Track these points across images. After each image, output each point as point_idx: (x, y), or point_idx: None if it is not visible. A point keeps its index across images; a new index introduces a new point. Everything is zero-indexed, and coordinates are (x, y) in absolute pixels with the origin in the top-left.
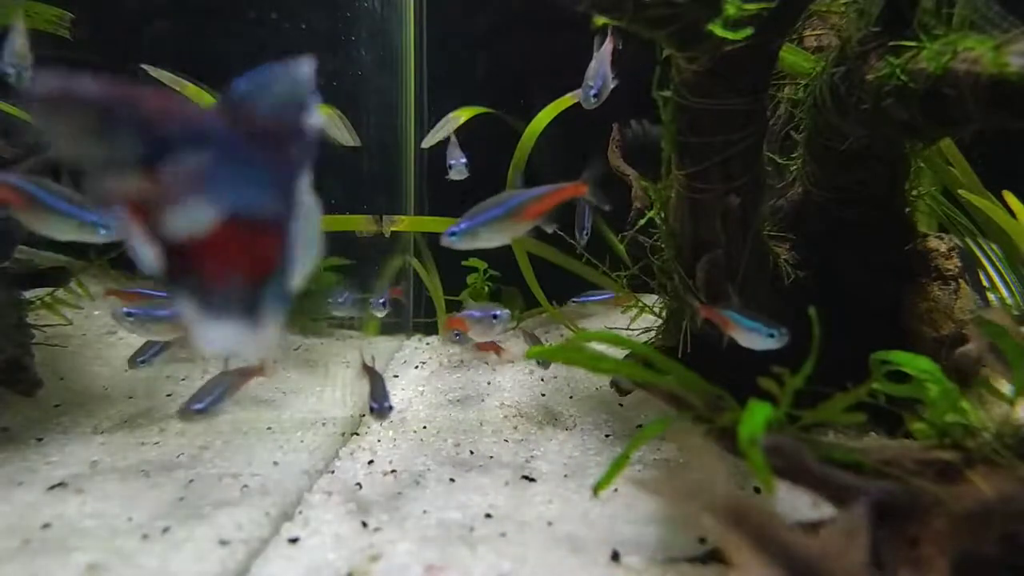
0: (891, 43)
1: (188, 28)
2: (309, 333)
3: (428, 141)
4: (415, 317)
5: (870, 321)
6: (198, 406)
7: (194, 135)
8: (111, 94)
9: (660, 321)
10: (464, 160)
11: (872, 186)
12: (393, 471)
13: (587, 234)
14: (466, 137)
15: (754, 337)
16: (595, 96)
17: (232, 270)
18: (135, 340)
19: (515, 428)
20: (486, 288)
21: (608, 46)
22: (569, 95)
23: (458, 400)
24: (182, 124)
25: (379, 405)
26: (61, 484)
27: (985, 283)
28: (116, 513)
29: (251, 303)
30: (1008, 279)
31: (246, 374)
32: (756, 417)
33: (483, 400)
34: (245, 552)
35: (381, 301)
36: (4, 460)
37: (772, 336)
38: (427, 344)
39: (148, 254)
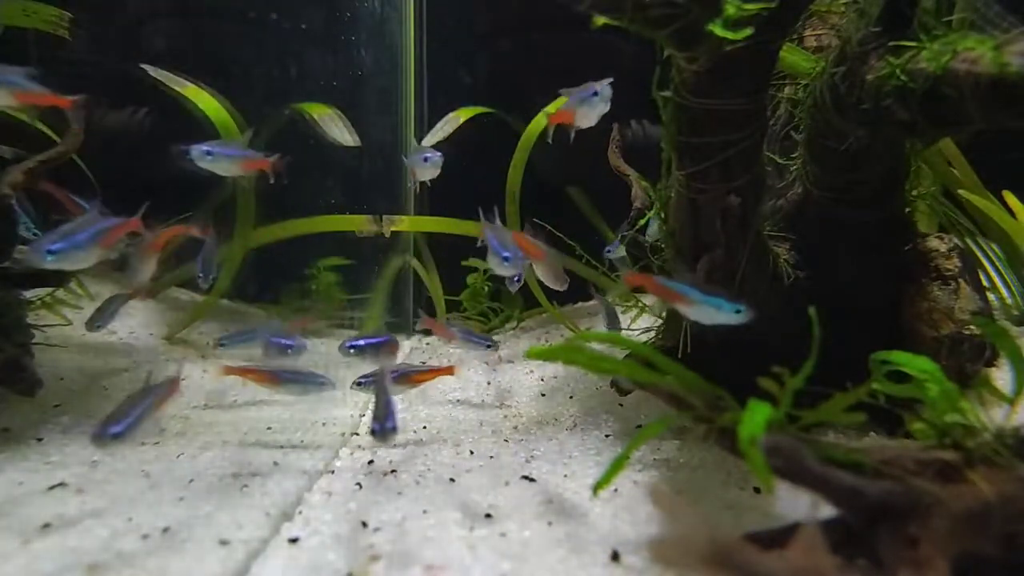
0: (891, 43)
1: (189, 28)
2: (309, 333)
3: (428, 141)
4: (415, 317)
5: (870, 321)
6: (115, 429)
7: None
8: None
9: (660, 321)
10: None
11: (872, 186)
12: (393, 471)
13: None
14: (466, 137)
15: (711, 312)
16: (517, 281)
17: None
18: (135, 341)
19: (515, 428)
20: (486, 288)
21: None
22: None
23: (458, 400)
24: None
25: (380, 426)
26: (61, 484)
27: (985, 283)
28: (116, 513)
29: None
30: (1008, 279)
31: (174, 387)
32: (756, 417)
33: (483, 400)
34: (245, 552)
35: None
36: (4, 460)
37: (738, 312)
38: (427, 344)
39: None
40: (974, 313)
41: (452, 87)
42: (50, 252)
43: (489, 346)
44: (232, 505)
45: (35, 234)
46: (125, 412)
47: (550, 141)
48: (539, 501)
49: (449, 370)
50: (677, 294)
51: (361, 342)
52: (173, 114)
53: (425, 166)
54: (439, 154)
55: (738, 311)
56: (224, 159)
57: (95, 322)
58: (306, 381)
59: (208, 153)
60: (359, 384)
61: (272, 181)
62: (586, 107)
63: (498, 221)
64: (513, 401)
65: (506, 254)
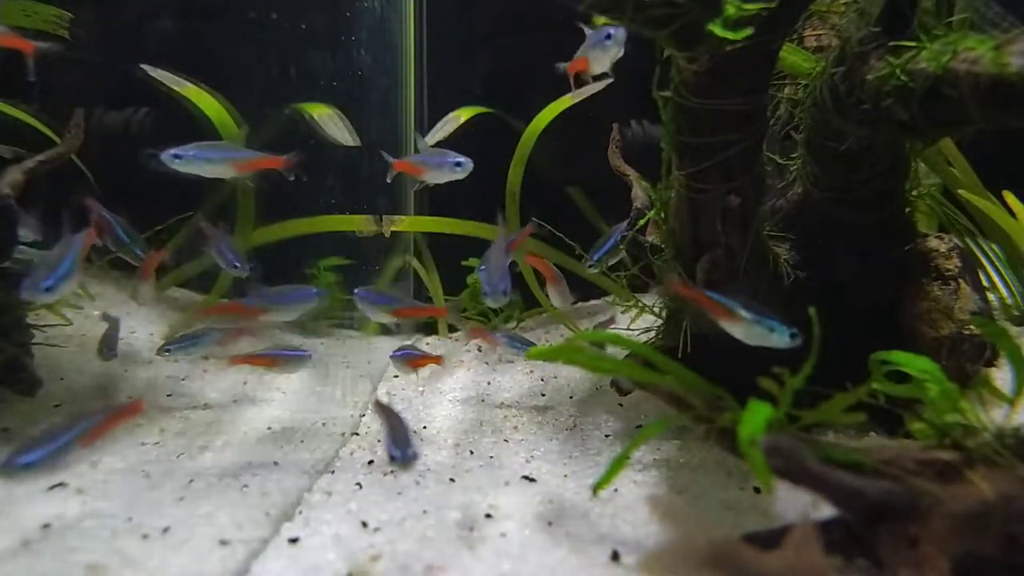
0: (891, 43)
1: (189, 28)
2: (309, 333)
3: (428, 141)
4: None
5: (870, 321)
6: (26, 459)
7: None
8: None
9: (660, 321)
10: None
11: (872, 186)
12: (393, 471)
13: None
14: (466, 137)
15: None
16: (504, 294)
17: None
18: (134, 340)
19: (515, 428)
20: None
21: (503, 239)
22: (569, 95)
23: (458, 400)
24: None
25: (402, 453)
26: (61, 484)
27: (985, 283)
28: (116, 513)
29: None
30: (1008, 279)
31: (117, 416)
32: (756, 417)
33: (483, 400)
34: (245, 552)
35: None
36: None
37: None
38: (427, 344)
39: None
40: (974, 313)
41: (452, 87)
42: (47, 289)
43: (523, 349)
44: (232, 505)
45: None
46: (44, 440)
47: (573, 98)
48: (539, 501)
49: (437, 359)
50: (727, 311)
51: (369, 294)
52: (175, 114)
53: (457, 172)
54: (469, 161)
55: (793, 335)
56: (201, 162)
57: (107, 352)
58: (297, 358)
59: (177, 156)
60: (393, 356)
61: (291, 178)
62: (599, 51)
63: (501, 240)
64: (513, 401)
65: (487, 289)
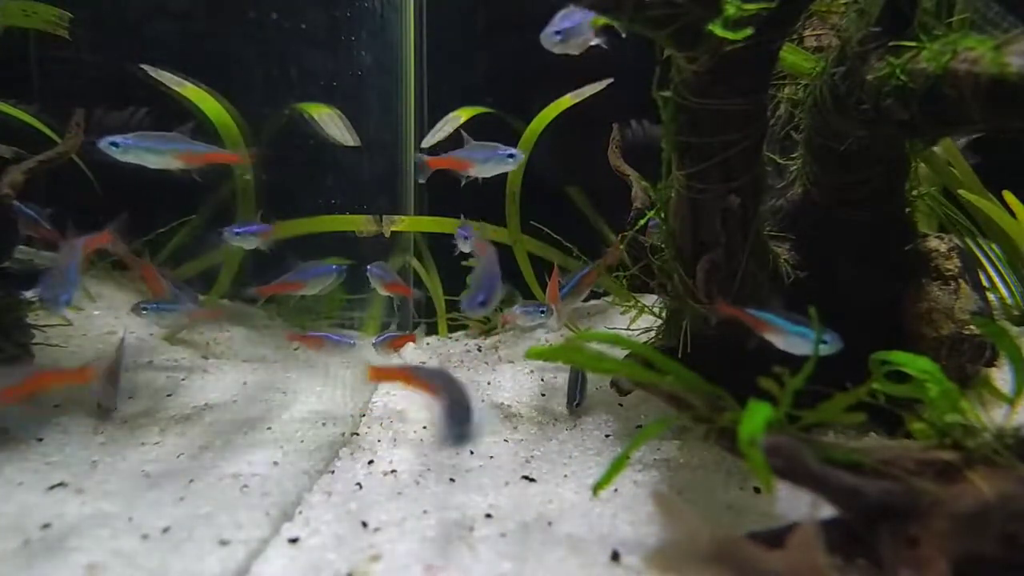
0: (891, 43)
1: (189, 28)
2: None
3: (428, 141)
4: (415, 317)
5: (870, 321)
6: None
7: None
8: None
9: (660, 321)
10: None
11: (872, 186)
12: (393, 471)
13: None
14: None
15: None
16: (482, 304)
17: None
18: (135, 340)
19: (515, 428)
20: None
21: (491, 253)
22: (568, 95)
23: None
24: None
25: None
26: (61, 484)
27: (985, 283)
28: (116, 513)
29: None
30: (1008, 279)
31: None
32: (756, 417)
33: (483, 400)
34: (245, 552)
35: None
36: (4, 460)
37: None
38: (427, 344)
39: None
40: (974, 313)
41: (452, 87)
42: (67, 302)
43: (543, 312)
44: (232, 505)
45: None
46: None
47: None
48: (539, 501)
49: (412, 337)
50: (767, 324)
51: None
52: (174, 114)
53: (509, 163)
54: (521, 152)
55: (824, 342)
56: (142, 151)
57: (110, 407)
58: (343, 344)
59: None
60: (374, 344)
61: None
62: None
63: (491, 250)
64: (513, 401)
65: (465, 303)
